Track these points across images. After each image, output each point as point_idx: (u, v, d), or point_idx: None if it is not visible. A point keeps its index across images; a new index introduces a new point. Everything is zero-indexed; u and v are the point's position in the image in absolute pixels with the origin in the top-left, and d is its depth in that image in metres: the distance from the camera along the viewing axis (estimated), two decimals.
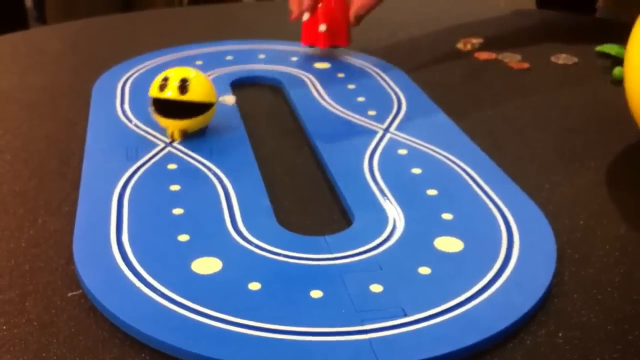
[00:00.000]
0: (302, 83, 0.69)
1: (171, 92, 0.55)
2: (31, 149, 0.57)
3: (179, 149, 0.56)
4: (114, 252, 0.43)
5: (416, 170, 0.53)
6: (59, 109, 0.65)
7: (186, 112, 0.55)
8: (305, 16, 0.73)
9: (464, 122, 0.62)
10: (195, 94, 0.55)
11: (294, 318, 0.38)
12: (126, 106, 0.63)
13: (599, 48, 0.81)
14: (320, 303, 0.39)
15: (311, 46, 0.76)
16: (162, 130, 0.58)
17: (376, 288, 0.41)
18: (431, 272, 0.42)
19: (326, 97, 0.66)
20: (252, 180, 0.52)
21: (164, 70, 0.57)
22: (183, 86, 0.55)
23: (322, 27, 0.73)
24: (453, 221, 0.47)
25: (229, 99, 0.60)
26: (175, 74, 0.56)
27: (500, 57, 0.80)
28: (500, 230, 0.46)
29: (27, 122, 0.62)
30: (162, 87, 0.55)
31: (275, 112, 0.66)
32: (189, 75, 0.56)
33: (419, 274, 0.42)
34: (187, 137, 0.57)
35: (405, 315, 0.39)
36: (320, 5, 0.73)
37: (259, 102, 0.68)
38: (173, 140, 0.56)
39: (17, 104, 0.66)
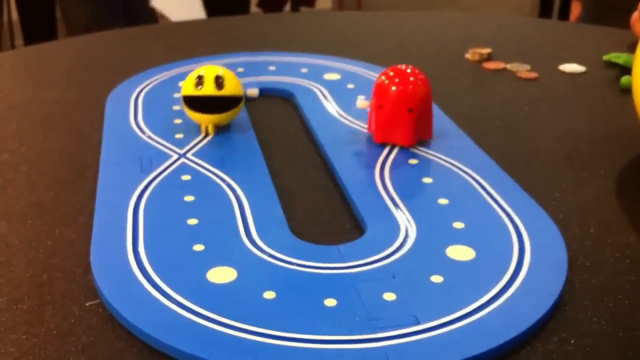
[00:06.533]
0: (313, 94, 0.70)
1: (208, 89, 0.59)
2: (47, 161, 0.58)
3: (192, 160, 0.56)
4: (130, 262, 0.44)
5: (427, 180, 0.54)
6: (73, 122, 0.66)
7: (220, 106, 0.60)
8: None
9: (473, 131, 0.62)
10: (229, 89, 0.59)
11: (308, 326, 0.39)
12: (139, 118, 0.64)
13: (606, 57, 0.81)
14: (334, 311, 0.40)
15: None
16: (176, 142, 0.59)
17: (389, 296, 0.41)
18: (443, 281, 0.43)
19: (336, 107, 0.67)
20: (264, 190, 0.53)
21: (193, 71, 0.60)
22: (219, 82, 0.59)
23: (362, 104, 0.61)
24: (464, 230, 0.48)
25: (253, 91, 0.67)
26: (207, 72, 0.59)
27: (509, 67, 0.80)
28: (511, 239, 0.47)
29: (42, 134, 0.63)
30: (198, 84, 0.59)
31: (286, 122, 0.67)
32: (220, 72, 0.59)
33: (431, 282, 0.43)
34: (200, 149, 0.58)
35: (418, 323, 0.39)
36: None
37: (270, 113, 0.68)
38: (207, 135, 0.60)
39: (32, 116, 0.67)
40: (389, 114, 0.58)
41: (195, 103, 0.59)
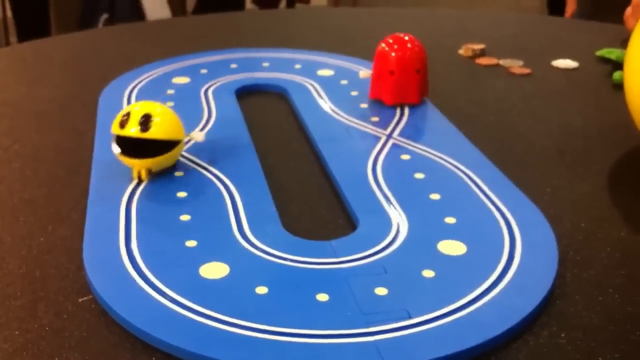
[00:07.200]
0: (306, 90, 0.70)
1: (133, 129, 0.51)
2: (40, 158, 0.58)
3: (185, 156, 0.56)
4: (123, 258, 0.44)
5: (419, 175, 0.54)
6: (67, 119, 0.66)
7: (150, 150, 0.52)
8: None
9: (466, 127, 0.62)
10: (158, 131, 0.51)
11: (301, 321, 0.39)
12: None
13: (599, 53, 0.82)
14: (327, 306, 0.40)
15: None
16: None
17: (381, 291, 0.41)
18: (435, 275, 0.43)
19: (330, 103, 0.67)
20: (257, 186, 0.53)
21: (130, 104, 0.54)
22: (145, 123, 0.51)
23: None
24: (456, 225, 0.48)
25: (199, 135, 0.57)
26: (139, 109, 0.52)
27: (502, 62, 0.80)
28: (502, 234, 0.47)
29: (35, 131, 0.63)
30: (123, 124, 0.51)
31: (280, 119, 0.67)
32: (154, 111, 0.52)
33: (423, 277, 0.43)
34: (193, 145, 0.58)
35: (410, 317, 0.39)
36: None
37: (263, 110, 0.68)
38: (140, 181, 0.52)
39: (26, 113, 0.67)
40: (400, 77, 0.65)
41: (121, 144, 0.52)
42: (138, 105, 0.52)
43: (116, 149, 0.52)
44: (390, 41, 0.66)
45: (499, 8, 2.99)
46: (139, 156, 0.52)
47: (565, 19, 1.37)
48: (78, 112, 0.67)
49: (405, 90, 0.66)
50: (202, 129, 0.61)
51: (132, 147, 0.52)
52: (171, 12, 2.15)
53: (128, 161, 0.52)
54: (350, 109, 0.66)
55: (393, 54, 0.65)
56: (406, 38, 0.66)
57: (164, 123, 0.52)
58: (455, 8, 1.07)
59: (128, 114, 0.52)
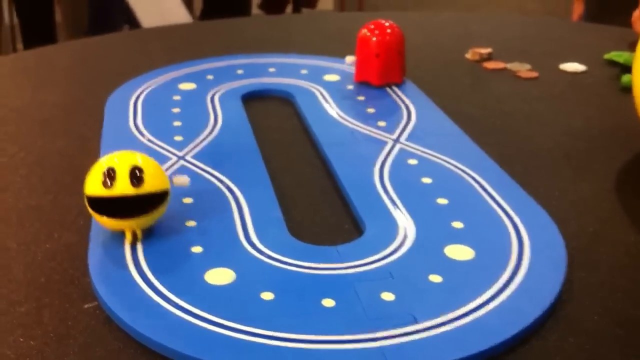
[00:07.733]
0: (312, 95, 0.70)
1: (122, 186, 0.44)
2: (46, 165, 0.58)
3: (191, 162, 0.56)
4: (128, 264, 0.44)
5: (426, 180, 0.54)
6: (72, 125, 0.66)
7: (140, 208, 0.45)
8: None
9: (473, 131, 0.62)
10: (152, 184, 0.45)
11: (307, 327, 0.39)
12: (139, 121, 0.64)
13: (607, 56, 0.81)
14: (333, 312, 0.40)
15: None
16: (175, 144, 0.59)
17: (388, 296, 0.41)
18: (442, 280, 0.42)
19: (336, 108, 0.67)
20: (263, 191, 0.53)
21: (100, 160, 0.46)
22: (138, 176, 0.44)
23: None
24: (463, 229, 0.48)
25: (182, 180, 0.50)
26: (120, 162, 0.45)
27: (509, 66, 0.80)
28: (510, 238, 0.47)
29: (41, 138, 0.63)
30: (109, 181, 0.44)
31: (286, 124, 0.67)
32: (136, 161, 0.45)
33: (430, 281, 0.42)
34: (199, 151, 0.58)
35: (417, 322, 0.39)
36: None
37: (269, 115, 0.68)
38: (136, 241, 0.46)
39: (31, 120, 0.67)
40: (386, 59, 0.71)
41: (105, 206, 0.44)
42: (116, 158, 0.45)
43: (97, 214, 0.45)
44: (372, 27, 0.71)
45: (502, 10, 2.98)
46: (132, 215, 0.45)
47: (572, 22, 1.37)
48: (83, 119, 0.67)
49: (390, 71, 0.71)
50: (209, 134, 0.61)
51: (123, 207, 0.44)
52: (192, 16, 2.16)
53: (120, 224, 0.45)
54: (357, 113, 0.66)
55: (374, 38, 0.70)
56: (386, 24, 0.71)
57: (154, 172, 0.45)
58: (459, 11, 1.07)
59: (111, 170, 0.44)
